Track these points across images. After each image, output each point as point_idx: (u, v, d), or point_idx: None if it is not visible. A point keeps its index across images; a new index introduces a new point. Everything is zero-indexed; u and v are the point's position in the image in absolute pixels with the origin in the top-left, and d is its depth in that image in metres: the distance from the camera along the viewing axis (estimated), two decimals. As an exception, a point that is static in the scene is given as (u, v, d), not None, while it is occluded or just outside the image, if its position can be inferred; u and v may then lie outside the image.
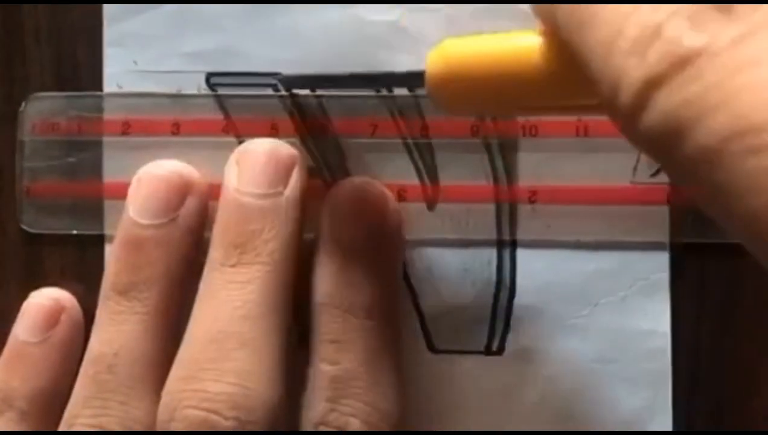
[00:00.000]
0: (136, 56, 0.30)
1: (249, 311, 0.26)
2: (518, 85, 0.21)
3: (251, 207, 0.27)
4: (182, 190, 0.28)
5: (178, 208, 0.28)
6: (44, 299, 0.29)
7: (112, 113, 0.30)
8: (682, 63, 0.16)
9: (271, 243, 0.26)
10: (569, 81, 0.20)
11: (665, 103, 0.17)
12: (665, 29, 0.17)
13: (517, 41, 0.22)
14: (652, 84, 0.17)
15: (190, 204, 0.28)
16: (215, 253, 0.27)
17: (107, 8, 0.30)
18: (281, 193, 0.27)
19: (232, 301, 0.26)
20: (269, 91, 0.29)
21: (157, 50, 0.30)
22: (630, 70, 0.17)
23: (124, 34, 0.30)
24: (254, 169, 0.27)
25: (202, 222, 0.28)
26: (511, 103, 0.23)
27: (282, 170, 0.27)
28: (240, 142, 0.29)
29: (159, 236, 0.27)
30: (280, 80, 0.29)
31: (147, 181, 0.28)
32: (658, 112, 0.17)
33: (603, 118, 0.27)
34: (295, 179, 0.27)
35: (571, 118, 0.28)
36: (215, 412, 0.25)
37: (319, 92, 0.29)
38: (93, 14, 0.30)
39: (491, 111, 0.24)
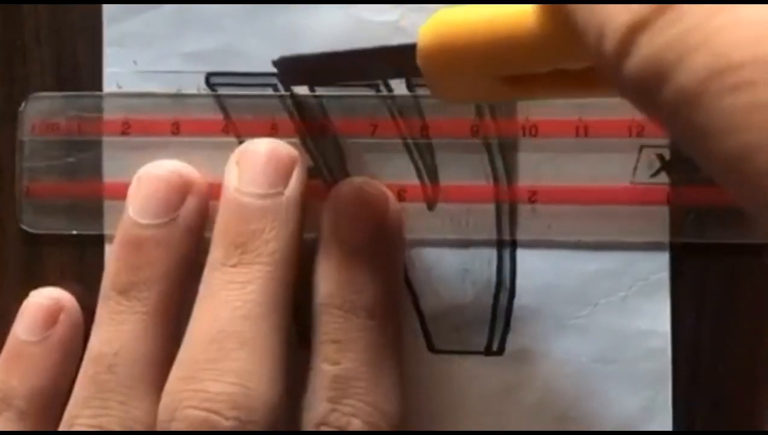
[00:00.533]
0: (136, 56, 0.30)
1: (249, 311, 0.26)
2: (509, 50, 0.21)
3: (252, 207, 0.27)
4: (182, 190, 0.28)
5: (178, 208, 0.28)
6: (43, 299, 0.29)
7: (111, 113, 0.30)
8: (664, 6, 0.16)
9: (271, 243, 0.26)
10: (563, 41, 0.20)
11: (647, 47, 0.16)
12: None
13: (502, 7, 0.22)
14: (635, 29, 0.17)
15: (190, 204, 0.28)
16: (216, 253, 0.27)
17: (107, 8, 0.30)
18: (281, 193, 0.27)
19: (232, 301, 0.26)
20: (269, 91, 0.29)
21: (157, 50, 0.30)
22: (614, 16, 0.17)
23: (124, 34, 0.30)
24: (255, 169, 0.27)
25: (202, 222, 0.28)
26: (499, 70, 0.22)
27: (282, 170, 0.27)
28: (240, 142, 0.29)
29: (159, 236, 0.27)
30: (275, 62, 0.28)
31: (147, 181, 0.28)
32: (640, 57, 0.17)
33: (600, 117, 0.28)
34: (295, 179, 0.27)
35: (572, 118, 0.28)
36: (216, 412, 0.25)
37: (319, 92, 0.29)
38: (93, 14, 0.30)
39: (479, 87, 0.24)
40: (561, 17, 0.19)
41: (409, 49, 0.23)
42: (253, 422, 0.25)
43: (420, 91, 0.29)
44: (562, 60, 0.21)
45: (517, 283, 0.29)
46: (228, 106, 0.29)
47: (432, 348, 0.29)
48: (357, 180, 0.28)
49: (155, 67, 0.30)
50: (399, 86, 0.29)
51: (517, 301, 0.29)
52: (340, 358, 0.26)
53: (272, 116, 0.29)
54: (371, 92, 0.29)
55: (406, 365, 0.28)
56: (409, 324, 0.29)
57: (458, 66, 0.23)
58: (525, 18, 0.21)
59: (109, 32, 0.30)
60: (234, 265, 0.26)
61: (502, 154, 0.29)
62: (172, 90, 0.30)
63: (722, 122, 0.15)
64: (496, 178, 0.29)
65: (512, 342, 0.29)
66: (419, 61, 0.23)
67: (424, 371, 0.29)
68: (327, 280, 0.27)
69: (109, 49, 0.30)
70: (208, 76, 0.29)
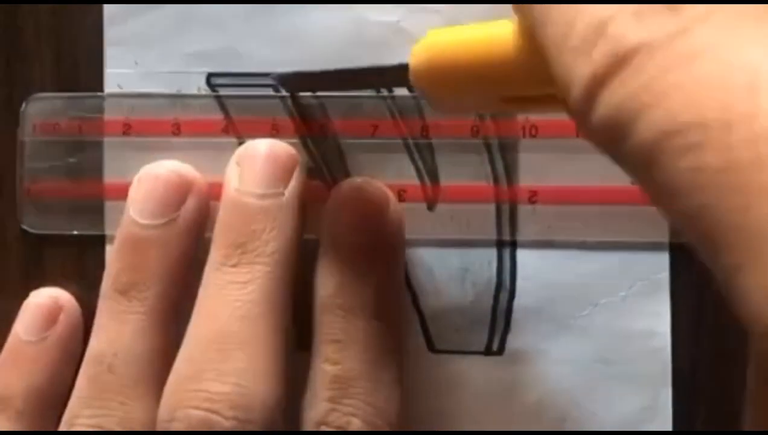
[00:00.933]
0: (137, 56, 0.30)
1: (249, 311, 0.26)
2: (495, 75, 0.21)
3: (252, 207, 0.27)
4: (182, 190, 0.28)
5: (179, 208, 0.28)
6: (43, 299, 0.29)
7: (112, 114, 0.30)
8: (622, 60, 0.16)
9: (271, 243, 0.26)
10: (541, 71, 0.20)
11: (609, 100, 0.16)
12: (610, 26, 0.17)
13: (492, 30, 0.22)
14: (598, 81, 0.17)
15: (191, 204, 0.28)
16: (216, 253, 0.27)
17: (107, 8, 0.30)
18: (282, 194, 0.27)
19: (232, 301, 0.26)
20: (269, 92, 0.29)
21: (158, 50, 0.30)
22: (577, 68, 0.17)
23: (125, 34, 0.30)
24: (255, 169, 0.27)
25: (203, 222, 0.28)
26: (488, 92, 0.22)
27: (283, 170, 0.27)
28: (240, 143, 0.29)
29: (159, 236, 0.27)
30: (273, 77, 0.29)
31: (147, 181, 0.28)
32: (602, 111, 0.17)
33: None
34: (295, 179, 0.27)
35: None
36: (215, 412, 0.25)
37: (319, 93, 0.29)
38: (94, 14, 0.30)
39: (471, 103, 0.24)
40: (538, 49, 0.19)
41: (403, 69, 0.24)
42: (253, 422, 0.25)
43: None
44: (546, 87, 0.21)
45: (517, 283, 0.29)
46: (228, 107, 0.29)
47: (432, 348, 0.29)
48: (357, 180, 0.28)
49: (156, 68, 0.30)
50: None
51: (517, 301, 0.29)
52: (340, 358, 0.26)
53: (272, 116, 0.29)
54: (371, 93, 0.29)
55: (406, 365, 0.28)
56: (409, 324, 0.29)
57: (450, 86, 0.23)
58: (506, 44, 0.21)
59: (109, 32, 0.30)
60: (234, 265, 0.26)
61: (502, 154, 0.29)
62: (173, 90, 0.30)
63: (675, 182, 0.15)
64: (496, 178, 0.29)
65: (512, 342, 0.29)
66: (412, 81, 0.23)
67: (424, 371, 0.29)
68: (327, 280, 0.27)
69: (110, 50, 0.30)
70: (209, 76, 0.30)
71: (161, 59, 0.30)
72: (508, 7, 0.28)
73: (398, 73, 0.24)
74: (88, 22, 0.30)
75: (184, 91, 0.30)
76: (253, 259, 0.26)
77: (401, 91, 0.29)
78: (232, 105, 0.29)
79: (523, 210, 0.29)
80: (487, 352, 0.29)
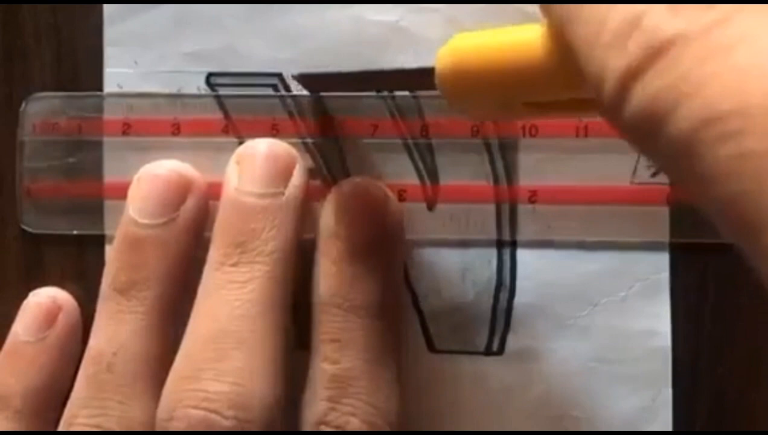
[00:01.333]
0: (137, 56, 0.30)
1: (248, 311, 0.26)
2: (521, 80, 0.21)
3: (252, 206, 0.27)
4: (182, 189, 0.28)
5: (178, 208, 0.28)
6: (42, 299, 0.29)
7: (112, 113, 0.30)
8: (658, 52, 0.16)
9: (271, 242, 0.26)
10: (569, 74, 0.20)
11: (643, 93, 0.17)
12: (644, 19, 0.17)
13: (519, 35, 0.22)
14: (632, 75, 0.17)
15: (190, 203, 0.28)
16: (215, 253, 0.27)
17: (107, 8, 0.30)
18: (282, 193, 0.27)
19: (231, 300, 0.26)
20: (269, 91, 0.29)
21: (158, 50, 0.30)
22: (611, 62, 0.17)
23: (125, 34, 0.30)
24: (255, 168, 0.27)
25: (202, 221, 0.28)
26: (516, 98, 0.22)
27: (282, 170, 0.27)
28: (240, 142, 0.29)
29: (159, 236, 0.27)
30: (295, 77, 0.29)
31: (147, 181, 0.28)
32: (637, 103, 0.17)
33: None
34: (295, 179, 0.27)
35: (572, 118, 0.28)
36: (214, 411, 0.25)
37: (321, 93, 0.29)
38: (93, 14, 0.30)
39: (498, 108, 0.24)
40: (566, 49, 0.19)
41: (429, 72, 0.23)
42: (252, 421, 0.25)
43: (420, 92, 0.29)
44: (573, 91, 0.21)
45: (517, 283, 0.29)
46: (228, 106, 0.29)
47: (432, 348, 0.29)
48: (357, 180, 0.28)
49: (156, 68, 0.30)
50: (399, 86, 0.29)
51: (517, 301, 0.29)
52: (339, 358, 0.26)
53: (272, 116, 0.29)
54: (371, 93, 0.29)
55: (406, 365, 0.28)
56: (409, 324, 0.29)
57: (475, 91, 0.23)
58: (535, 49, 0.21)
59: (109, 32, 0.30)
60: (233, 265, 0.26)
61: (502, 154, 0.29)
62: (173, 90, 0.30)
63: (714, 170, 0.16)
64: (496, 178, 0.29)
65: (512, 342, 0.29)
66: (438, 85, 0.23)
67: (424, 371, 0.29)
68: (327, 279, 0.27)
69: (110, 49, 0.30)
70: (209, 76, 0.30)
71: (161, 59, 0.30)
72: (509, 7, 0.28)
73: (424, 77, 0.24)
74: (88, 22, 0.30)
75: (184, 91, 0.30)
76: (253, 259, 0.26)
77: (401, 91, 0.29)
78: (232, 105, 0.29)
79: (523, 210, 0.29)
80: (487, 352, 0.29)
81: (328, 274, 0.27)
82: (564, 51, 0.20)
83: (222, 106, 0.29)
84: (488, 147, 0.29)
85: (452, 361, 0.29)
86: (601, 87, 0.18)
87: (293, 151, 0.28)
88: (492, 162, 0.29)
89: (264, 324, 0.26)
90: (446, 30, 0.28)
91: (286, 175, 0.27)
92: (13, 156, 0.30)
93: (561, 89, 0.21)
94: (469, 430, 0.29)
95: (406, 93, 0.29)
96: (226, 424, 0.25)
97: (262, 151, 0.28)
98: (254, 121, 0.29)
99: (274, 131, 0.29)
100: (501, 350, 0.29)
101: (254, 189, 0.27)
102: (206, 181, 0.29)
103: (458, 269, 0.29)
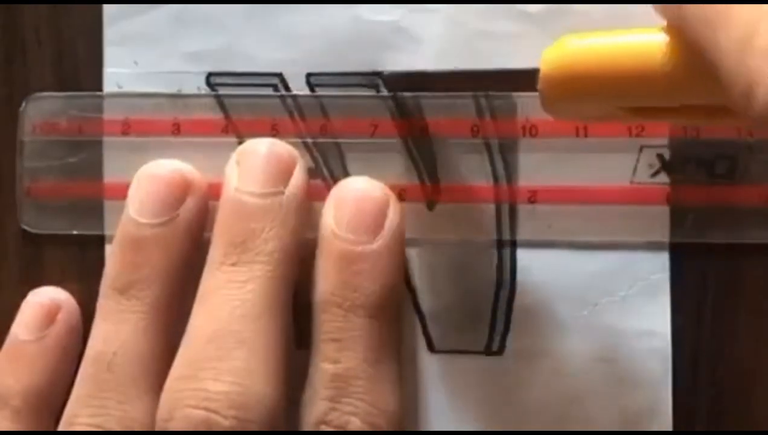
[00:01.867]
0: (137, 56, 0.30)
1: (248, 310, 0.26)
2: (638, 84, 0.21)
3: (252, 206, 0.27)
4: (182, 189, 0.28)
5: (178, 208, 0.28)
6: (41, 298, 0.29)
7: (112, 113, 0.30)
8: None
9: (271, 242, 0.26)
10: (694, 80, 0.19)
11: None
12: None
13: (638, 39, 0.21)
14: None
15: (190, 203, 0.28)
16: (215, 252, 0.27)
17: (107, 8, 0.30)
18: (282, 193, 0.27)
19: (231, 300, 0.26)
20: (269, 91, 0.29)
21: (158, 50, 0.30)
22: (765, 76, 0.16)
23: (124, 34, 0.30)
24: (255, 168, 0.27)
25: (202, 221, 0.28)
26: (626, 102, 0.22)
27: (283, 170, 0.27)
28: (240, 142, 0.29)
29: (158, 235, 0.27)
30: (383, 77, 0.28)
31: (147, 181, 0.28)
32: None
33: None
34: (295, 179, 0.27)
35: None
36: (215, 411, 0.25)
37: (319, 92, 0.29)
38: (93, 14, 0.30)
39: (595, 111, 0.23)
40: (693, 54, 0.19)
41: (530, 74, 0.23)
42: (252, 421, 0.25)
43: (420, 92, 0.29)
44: (691, 97, 0.20)
45: (517, 282, 0.29)
46: (228, 106, 0.29)
47: (432, 348, 0.29)
48: (357, 180, 0.28)
49: (156, 67, 0.30)
50: (399, 86, 0.29)
51: (517, 301, 0.29)
52: (339, 357, 0.26)
53: (272, 116, 0.29)
54: (371, 92, 0.29)
55: (406, 365, 0.28)
56: (409, 324, 0.29)
57: (581, 94, 0.22)
58: (654, 53, 0.21)
59: (109, 32, 0.30)
60: (233, 264, 0.26)
61: (502, 154, 0.29)
62: (173, 90, 0.30)
63: None
64: (496, 178, 0.29)
65: (512, 342, 0.29)
66: (540, 86, 0.23)
67: (424, 371, 0.29)
68: (327, 279, 0.27)
69: (110, 49, 0.30)
70: (209, 76, 0.30)
71: (161, 59, 0.30)
72: (509, 7, 0.28)
73: (526, 78, 0.23)
74: (87, 22, 0.30)
75: (184, 91, 0.30)
76: (253, 258, 0.26)
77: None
78: (232, 105, 0.29)
79: (523, 210, 0.29)
80: (487, 352, 0.29)
81: (328, 274, 0.27)
82: (691, 56, 0.19)
83: (222, 106, 0.29)
84: (488, 147, 0.29)
85: (452, 361, 0.29)
86: (752, 97, 0.17)
87: (293, 150, 0.28)
88: (492, 162, 0.29)
89: (264, 323, 0.26)
90: (446, 30, 0.28)
91: (286, 175, 0.27)
92: (13, 156, 0.30)
93: (682, 95, 0.21)
94: (469, 430, 0.29)
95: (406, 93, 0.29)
96: (226, 424, 0.25)
97: (262, 150, 0.28)
98: (254, 121, 0.29)
99: (274, 131, 0.29)
100: (501, 350, 0.29)
101: (254, 189, 0.27)
102: (206, 181, 0.29)
103: (458, 269, 0.29)
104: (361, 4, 0.29)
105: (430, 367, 0.29)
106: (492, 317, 0.29)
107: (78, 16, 0.30)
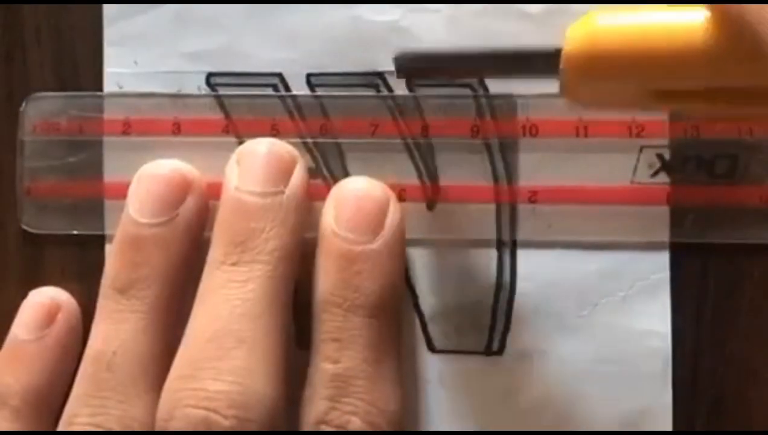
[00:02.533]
0: (137, 56, 0.30)
1: (248, 310, 0.26)
2: (677, 65, 0.20)
3: (252, 205, 0.27)
4: (182, 189, 0.28)
5: (178, 207, 0.28)
6: (41, 298, 0.29)
7: (112, 113, 0.30)
8: None
9: (271, 242, 0.26)
10: (739, 60, 0.18)
11: None
12: None
13: (676, 15, 0.20)
14: None
15: (190, 203, 0.28)
16: (215, 252, 0.27)
17: (107, 8, 0.30)
18: (282, 192, 0.27)
19: (231, 299, 0.26)
20: (269, 91, 0.29)
21: (158, 50, 0.30)
22: None
23: (124, 34, 0.30)
24: (255, 167, 0.27)
25: (202, 221, 0.28)
26: (659, 84, 0.21)
27: (283, 169, 0.27)
28: (240, 142, 0.29)
29: (158, 235, 0.27)
30: (395, 59, 0.26)
31: (147, 180, 0.28)
32: None
33: (600, 117, 0.28)
34: (295, 178, 0.27)
35: (572, 118, 0.28)
36: (214, 410, 0.25)
37: (319, 92, 0.29)
38: (93, 14, 0.30)
39: (620, 96, 0.22)
40: (740, 34, 0.18)
41: (551, 54, 0.22)
42: (252, 421, 0.25)
43: (420, 91, 0.29)
44: (733, 78, 0.20)
45: (517, 283, 0.29)
46: (228, 106, 0.29)
47: (432, 348, 0.29)
48: (357, 179, 0.28)
49: (156, 67, 0.30)
50: (399, 86, 0.29)
51: (517, 301, 0.29)
52: (340, 357, 0.26)
53: (272, 116, 0.29)
54: (371, 92, 0.29)
55: (406, 365, 0.28)
56: (409, 324, 0.29)
57: (605, 74, 0.21)
58: (695, 30, 0.20)
59: (109, 32, 0.30)
60: (234, 264, 0.26)
61: (502, 154, 0.29)
62: (173, 90, 0.30)
63: None
64: (496, 178, 0.29)
65: (512, 342, 0.29)
66: (563, 65, 0.22)
67: (424, 371, 0.29)
68: (327, 278, 0.27)
69: (110, 49, 0.30)
70: (209, 76, 0.30)
71: (161, 59, 0.30)
72: (509, 7, 0.28)
73: (546, 59, 0.22)
74: (87, 22, 0.30)
75: (184, 91, 0.30)
76: (253, 258, 0.26)
77: (401, 91, 0.29)
78: (232, 105, 0.29)
79: (523, 209, 0.29)
80: (487, 352, 0.29)
81: (328, 274, 0.27)
82: (737, 34, 0.18)
83: (222, 106, 0.29)
84: (488, 147, 0.29)
85: (452, 361, 0.29)
86: None
87: (293, 150, 0.28)
88: (492, 162, 0.29)
89: (264, 323, 0.26)
90: (446, 30, 0.28)
91: (286, 175, 0.27)
92: (13, 156, 0.30)
93: (723, 76, 0.19)
94: (469, 430, 0.29)
95: (406, 93, 0.29)
96: (226, 424, 0.25)
97: (262, 150, 0.28)
98: (254, 121, 0.29)
99: (274, 131, 0.29)
100: (501, 350, 0.29)
101: (255, 188, 0.27)
102: (206, 181, 0.29)
103: (458, 269, 0.29)
104: (361, 4, 0.29)
105: (430, 367, 0.29)
106: (492, 317, 0.29)
107: (78, 16, 0.30)
